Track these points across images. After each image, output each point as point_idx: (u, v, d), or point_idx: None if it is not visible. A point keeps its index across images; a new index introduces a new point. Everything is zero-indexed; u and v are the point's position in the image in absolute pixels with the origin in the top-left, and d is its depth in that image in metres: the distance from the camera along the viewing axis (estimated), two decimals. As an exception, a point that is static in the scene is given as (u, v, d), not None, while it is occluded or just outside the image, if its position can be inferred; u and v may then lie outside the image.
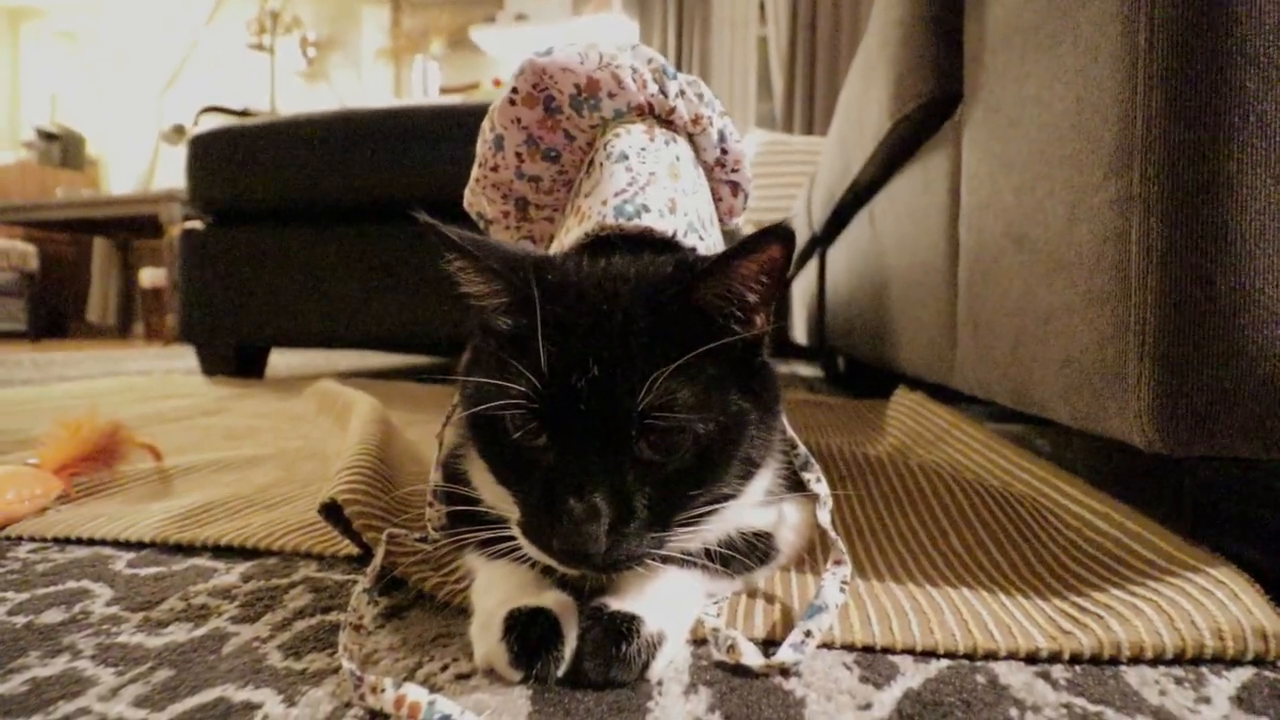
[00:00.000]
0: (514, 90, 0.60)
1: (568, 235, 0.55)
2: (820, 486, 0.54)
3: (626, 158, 0.55)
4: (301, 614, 0.52)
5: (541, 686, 0.42)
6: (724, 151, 0.64)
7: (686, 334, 0.43)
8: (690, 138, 0.62)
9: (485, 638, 0.43)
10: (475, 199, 0.68)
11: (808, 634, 0.45)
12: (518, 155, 0.64)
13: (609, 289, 0.45)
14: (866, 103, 1.25)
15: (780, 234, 0.42)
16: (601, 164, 0.56)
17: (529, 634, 0.42)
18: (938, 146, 0.99)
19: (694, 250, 0.52)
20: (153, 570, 0.61)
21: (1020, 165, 0.70)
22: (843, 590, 0.49)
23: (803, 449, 0.56)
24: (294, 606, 0.53)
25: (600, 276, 0.46)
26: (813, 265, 2.30)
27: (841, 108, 1.64)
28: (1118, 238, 0.53)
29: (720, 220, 0.66)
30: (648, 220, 0.51)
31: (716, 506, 0.46)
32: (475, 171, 0.66)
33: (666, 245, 0.52)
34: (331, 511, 0.58)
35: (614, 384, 0.41)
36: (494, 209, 0.67)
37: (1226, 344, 0.48)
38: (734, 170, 0.65)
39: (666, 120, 0.61)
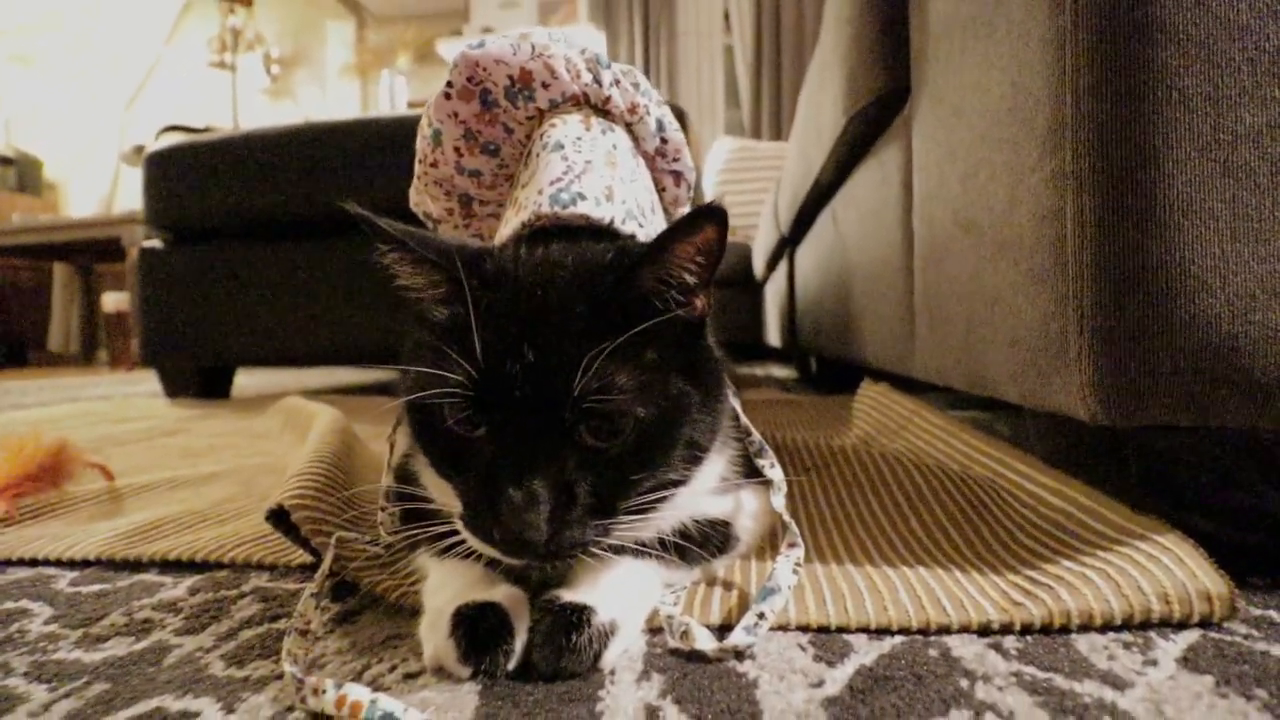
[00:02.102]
0: (449, 84, 0.60)
1: (506, 226, 0.54)
2: (774, 472, 0.54)
3: (562, 147, 0.54)
4: (249, 623, 0.51)
5: (491, 681, 0.41)
6: (663, 140, 0.64)
7: (625, 319, 0.43)
8: (628, 127, 0.62)
9: (433, 635, 0.43)
10: (420, 197, 0.67)
11: (760, 616, 0.44)
12: (456, 150, 0.63)
13: (545, 276, 0.45)
14: (823, 101, 1.27)
15: (713, 214, 0.42)
16: (538, 154, 0.56)
17: (478, 629, 0.42)
18: (891, 141, 1.01)
19: (633, 238, 0.52)
20: (96, 588, 0.59)
21: (964, 153, 0.72)
22: (795, 572, 0.49)
23: (757, 436, 0.56)
24: (241, 617, 0.52)
25: (536, 264, 0.46)
26: (783, 268, 2.32)
27: (801, 109, 1.66)
28: (1054, 216, 0.54)
29: (665, 211, 0.66)
30: (583, 208, 0.51)
31: (664, 493, 0.46)
32: (417, 169, 0.66)
33: (605, 234, 0.52)
34: (280, 518, 0.57)
35: (550, 369, 0.41)
36: (438, 207, 0.67)
37: (1159, 315, 0.49)
38: (675, 159, 0.65)
39: (603, 110, 0.61)
